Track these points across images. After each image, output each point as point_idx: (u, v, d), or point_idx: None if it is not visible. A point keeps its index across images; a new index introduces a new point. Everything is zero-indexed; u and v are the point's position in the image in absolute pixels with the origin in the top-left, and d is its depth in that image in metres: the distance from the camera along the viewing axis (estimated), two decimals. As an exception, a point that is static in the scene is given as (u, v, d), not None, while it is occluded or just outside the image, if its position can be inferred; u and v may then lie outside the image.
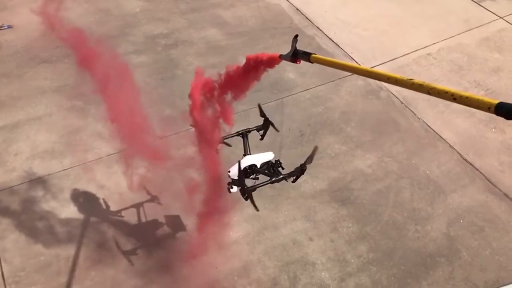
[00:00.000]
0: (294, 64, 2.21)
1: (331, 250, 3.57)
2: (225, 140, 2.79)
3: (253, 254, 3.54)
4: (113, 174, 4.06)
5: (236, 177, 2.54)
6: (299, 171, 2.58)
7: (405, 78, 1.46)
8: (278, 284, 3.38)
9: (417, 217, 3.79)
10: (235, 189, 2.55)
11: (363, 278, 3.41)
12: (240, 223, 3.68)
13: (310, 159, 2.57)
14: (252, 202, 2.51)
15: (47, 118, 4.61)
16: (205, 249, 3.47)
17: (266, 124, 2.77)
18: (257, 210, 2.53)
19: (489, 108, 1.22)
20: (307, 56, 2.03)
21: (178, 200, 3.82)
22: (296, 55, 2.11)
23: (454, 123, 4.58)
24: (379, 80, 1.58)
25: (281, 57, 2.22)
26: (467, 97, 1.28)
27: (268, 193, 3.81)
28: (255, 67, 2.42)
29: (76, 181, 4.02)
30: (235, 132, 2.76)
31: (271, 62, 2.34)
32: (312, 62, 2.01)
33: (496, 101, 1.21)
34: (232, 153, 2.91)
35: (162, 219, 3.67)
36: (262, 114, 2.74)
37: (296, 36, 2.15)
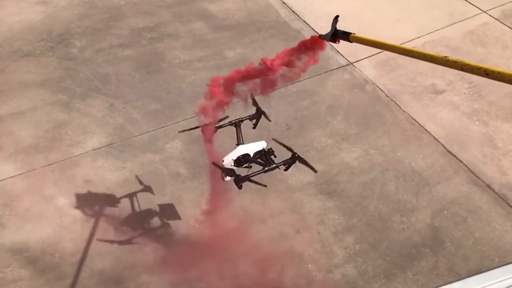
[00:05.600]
0: None
1: (318, 242, 3.60)
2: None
3: (240, 247, 3.55)
4: (99, 168, 4.03)
5: (229, 166, 2.56)
6: (292, 159, 2.62)
7: (440, 56, 1.56)
8: (265, 277, 3.40)
9: (402, 209, 3.84)
10: (229, 177, 2.57)
11: (350, 269, 3.45)
12: (228, 216, 3.69)
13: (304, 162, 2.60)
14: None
15: (31, 113, 4.54)
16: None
17: (259, 114, 2.79)
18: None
19: None
20: (346, 36, 2.03)
21: (169, 192, 3.83)
22: (336, 35, 2.11)
23: (439, 116, 4.64)
24: (416, 58, 1.62)
25: (321, 37, 2.21)
26: (499, 72, 1.37)
27: (255, 187, 3.81)
28: (303, 52, 2.37)
29: (61, 176, 3.98)
30: (227, 121, 2.77)
31: (317, 43, 2.29)
32: (351, 42, 2.02)
33: None
34: (224, 142, 2.93)
35: (156, 208, 3.68)
36: (255, 103, 2.75)
37: (337, 16, 2.14)
